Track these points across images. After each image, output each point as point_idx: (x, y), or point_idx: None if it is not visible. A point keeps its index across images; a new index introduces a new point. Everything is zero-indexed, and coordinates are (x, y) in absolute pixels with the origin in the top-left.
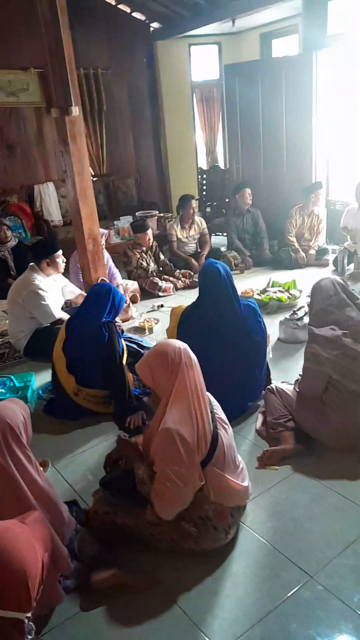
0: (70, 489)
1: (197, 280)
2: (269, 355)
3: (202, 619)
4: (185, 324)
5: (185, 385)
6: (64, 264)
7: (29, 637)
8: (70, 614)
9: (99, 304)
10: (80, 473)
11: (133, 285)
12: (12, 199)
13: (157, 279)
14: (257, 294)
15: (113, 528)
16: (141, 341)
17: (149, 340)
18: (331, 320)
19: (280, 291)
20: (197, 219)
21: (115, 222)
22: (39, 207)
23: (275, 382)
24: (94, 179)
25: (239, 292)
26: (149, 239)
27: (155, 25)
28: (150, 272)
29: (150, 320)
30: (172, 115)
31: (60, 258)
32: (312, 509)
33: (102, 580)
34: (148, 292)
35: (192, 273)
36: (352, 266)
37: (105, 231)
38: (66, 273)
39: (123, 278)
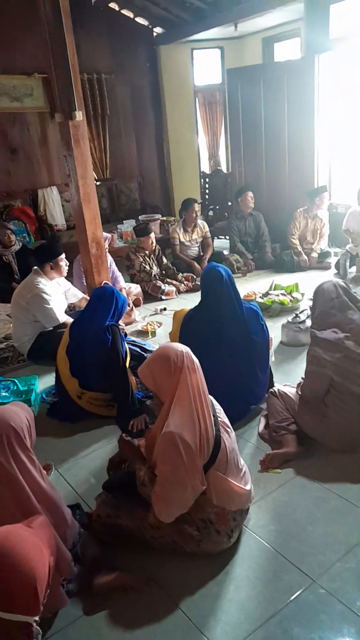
0: (73, 492)
1: (199, 283)
2: (272, 358)
3: (205, 622)
4: (187, 327)
5: (188, 388)
6: (67, 267)
7: (39, 638)
8: (73, 618)
9: (102, 307)
10: (83, 476)
11: (136, 288)
12: (16, 203)
13: (159, 282)
14: (260, 297)
15: (115, 531)
16: (144, 344)
17: (152, 344)
18: (333, 323)
19: (282, 294)
20: (200, 222)
21: (118, 226)
22: (43, 211)
23: (278, 385)
24: (97, 182)
25: (242, 295)
26: (152, 243)
27: (158, 30)
28: (153, 275)
29: (153, 323)
30: (175, 119)
31: (63, 261)
32: (315, 512)
33: (105, 584)
34: (151, 295)
35: (194, 276)
36: (354, 269)
37: (109, 235)
38: (69, 277)
39: (126, 281)
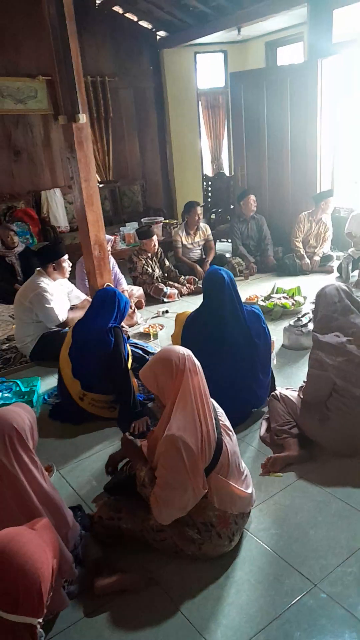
0: (74, 494)
1: (201, 286)
2: (274, 361)
3: (205, 626)
4: (189, 330)
5: (189, 391)
6: (70, 268)
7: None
8: (74, 620)
9: (104, 309)
10: (84, 478)
11: (138, 290)
12: (19, 205)
13: (162, 284)
14: (262, 300)
15: (117, 533)
16: (146, 347)
17: (154, 346)
18: (335, 327)
19: (284, 297)
20: (202, 225)
21: (121, 229)
22: (46, 213)
23: (280, 389)
24: (100, 185)
25: (243, 299)
26: (155, 245)
27: (161, 33)
28: (155, 278)
29: (155, 326)
30: (178, 122)
31: (66, 262)
32: (316, 516)
33: (106, 586)
34: (153, 297)
35: (196, 279)
36: (356, 272)
37: (112, 237)
38: (72, 279)
39: (128, 284)
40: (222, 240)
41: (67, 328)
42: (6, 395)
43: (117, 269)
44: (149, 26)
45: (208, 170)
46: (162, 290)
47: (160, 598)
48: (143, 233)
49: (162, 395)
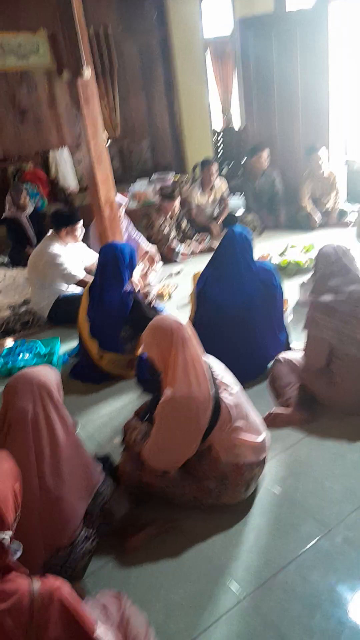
0: (98, 448)
1: (213, 245)
2: (289, 318)
3: (227, 567)
4: (205, 284)
5: (180, 359)
6: (82, 235)
7: (17, 553)
8: (103, 563)
9: (110, 272)
10: (107, 434)
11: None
12: (28, 166)
13: (175, 243)
14: (278, 256)
15: (140, 486)
16: (160, 309)
17: (168, 307)
18: (332, 287)
19: (299, 254)
20: (218, 181)
21: (130, 186)
22: (55, 174)
23: (283, 354)
24: (108, 142)
25: (256, 257)
26: (175, 207)
27: None
28: (170, 239)
29: (169, 286)
30: (185, 74)
31: (79, 230)
32: (332, 467)
33: (136, 546)
34: (166, 258)
35: (209, 236)
36: None
37: (125, 199)
38: (86, 240)
39: None
40: (233, 194)
41: (82, 290)
42: (27, 356)
43: (131, 228)
44: None
45: (218, 124)
46: (174, 249)
47: (183, 545)
48: (168, 195)
49: (157, 363)
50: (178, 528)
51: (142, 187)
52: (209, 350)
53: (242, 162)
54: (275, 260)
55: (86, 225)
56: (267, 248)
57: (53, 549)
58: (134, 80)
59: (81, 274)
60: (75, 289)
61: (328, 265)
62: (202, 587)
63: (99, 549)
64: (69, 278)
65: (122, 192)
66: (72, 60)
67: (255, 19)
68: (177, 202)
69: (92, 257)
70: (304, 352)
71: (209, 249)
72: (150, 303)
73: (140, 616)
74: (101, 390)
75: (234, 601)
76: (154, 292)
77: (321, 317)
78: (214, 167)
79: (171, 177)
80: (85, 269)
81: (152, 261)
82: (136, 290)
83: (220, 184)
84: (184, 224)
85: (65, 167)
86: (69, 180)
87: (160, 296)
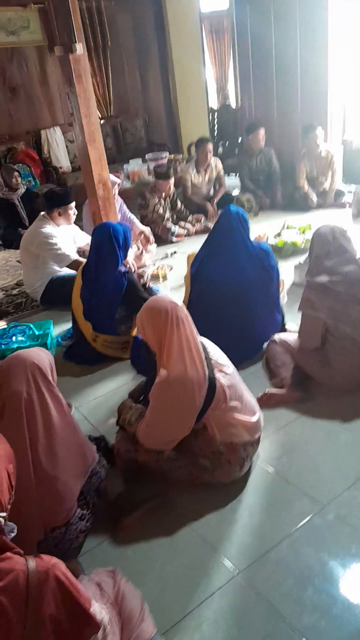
0: (94, 430)
1: (209, 226)
2: (284, 299)
3: (220, 545)
4: (200, 264)
5: (174, 340)
6: (75, 217)
7: (12, 534)
8: (99, 541)
9: (105, 252)
10: (102, 415)
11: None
12: (20, 146)
13: (169, 223)
14: (275, 236)
15: (135, 465)
16: (156, 290)
17: (163, 288)
18: (328, 267)
19: (296, 235)
20: (213, 161)
21: (125, 166)
22: (47, 153)
23: (278, 335)
24: (101, 121)
25: (253, 237)
26: (170, 188)
27: None
28: (165, 219)
29: (164, 267)
30: (181, 50)
31: (72, 210)
32: (325, 446)
33: (130, 527)
34: (161, 238)
35: (204, 217)
36: None
37: (119, 180)
38: (79, 221)
39: None
40: (229, 174)
41: (75, 271)
42: (20, 339)
43: (125, 209)
44: None
45: (214, 101)
46: (169, 230)
47: (178, 523)
48: (162, 174)
49: (152, 344)
50: (172, 506)
51: (136, 166)
52: (205, 330)
53: (239, 141)
54: (272, 241)
55: (79, 206)
56: (264, 228)
57: (48, 528)
58: (127, 57)
59: (74, 255)
60: (68, 270)
61: (324, 246)
62: (197, 563)
63: (94, 528)
64: (62, 259)
65: (115, 173)
66: (63, 35)
67: None
68: (171, 182)
69: (84, 239)
70: (298, 332)
71: (205, 230)
72: (145, 284)
73: (135, 592)
74: (96, 372)
75: (227, 577)
76: (148, 273)
77: (316, 297)
78: (210, 146)
79: (166, 156)
80: (78, 251)
81: (146, 242)
82: (131, 271)
83: (215, 163)
84: (179, 204)
85: (57, 146)
86: (61, 159)
87: (155, 277)
